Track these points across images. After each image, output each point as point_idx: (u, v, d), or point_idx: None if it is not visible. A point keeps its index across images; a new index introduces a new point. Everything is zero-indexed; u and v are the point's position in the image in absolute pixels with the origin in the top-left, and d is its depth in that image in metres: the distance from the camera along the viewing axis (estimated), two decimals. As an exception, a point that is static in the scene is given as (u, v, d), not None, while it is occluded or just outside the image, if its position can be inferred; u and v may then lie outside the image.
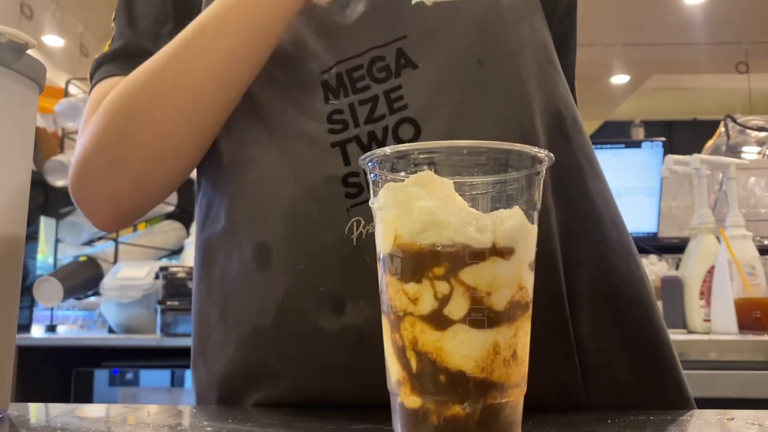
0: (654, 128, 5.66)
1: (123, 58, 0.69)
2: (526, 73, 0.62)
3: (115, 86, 0.62)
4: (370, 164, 0.41)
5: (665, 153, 2.04)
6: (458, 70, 0.60)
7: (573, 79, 0.74)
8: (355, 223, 0.57)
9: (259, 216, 0.61)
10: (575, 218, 0.62)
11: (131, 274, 1.94)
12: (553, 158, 0.40)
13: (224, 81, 0.59)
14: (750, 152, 2.23)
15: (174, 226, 2.38)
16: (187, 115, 0.59)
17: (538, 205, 0.40)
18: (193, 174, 0.72)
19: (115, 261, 2.11)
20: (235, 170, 0.63)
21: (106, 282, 1.93)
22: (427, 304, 0.37)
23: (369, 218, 0.57)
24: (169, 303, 1.83)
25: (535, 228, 0.39)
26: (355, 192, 0.58)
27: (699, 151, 2.07)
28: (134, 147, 0.60)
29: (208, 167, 0.67)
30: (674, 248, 2.03)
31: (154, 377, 1.90)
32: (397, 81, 0.59)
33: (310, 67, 0.61)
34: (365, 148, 0.58)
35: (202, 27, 0.58)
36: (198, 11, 0.63)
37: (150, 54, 0.61)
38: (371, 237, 0.57)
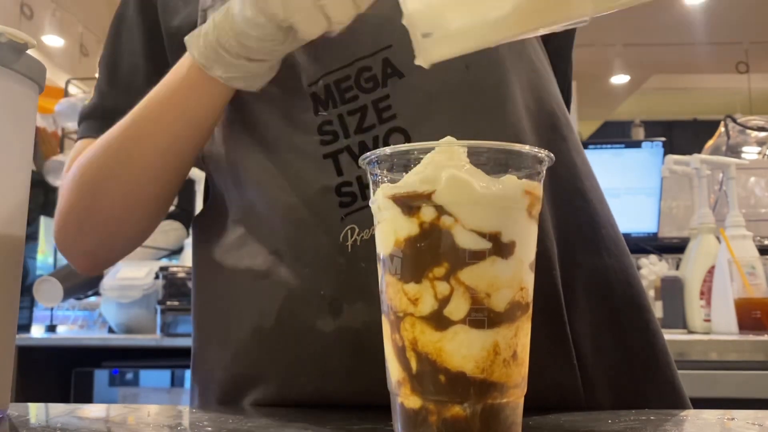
0: (654, 128, 5.65)
1: (100, 119, 0.71)
2: (515, 74, 0.62)
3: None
4: (369, 165, 0.41)
5: (665, 153, 2.04)
6: (446, 77, 0.60)
7: (569, 72, 0.75)
8: (349, 231, 0.58)
9: (264, 227, 0.62)
10: (569, 217, 0.62)
11: (131, 274, 1.94)
12: (554, 158, 0.40)
13: (168, 160, 0.64)
14: (750, 152, 2.23)
15: (174, 226, 2.38)
16: (137, 187, 0.65)
17: (539, 206, 0.40)
18: (193, 175, 0.73)
19: (115, 261, 2.11)
20: (243, 184, 0.64)
21: (106, 282, 1.93)
22: (427, 305, 0.37)
23: (363, 226, 0.58)
24: (169, 303, 1.83)
25: (535, 228, 0.40)
26: (349, 201, 0.59)
27: (699, 151, 2.07)
28: (96, 214, 0.66)
29: (221, 181, 0.68)
30: (674, 248, 2.02)
31: (154, 377, 1.90)
32: (384, 90, 0.60)
33: (299, 80, 0.62)
34: (357, 158, 0.58)
35: (146, 113, 0.62)
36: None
37: (125, 114, 0.64)
38: (366, 243, 0.57)
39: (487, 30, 0.41)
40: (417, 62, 0.43)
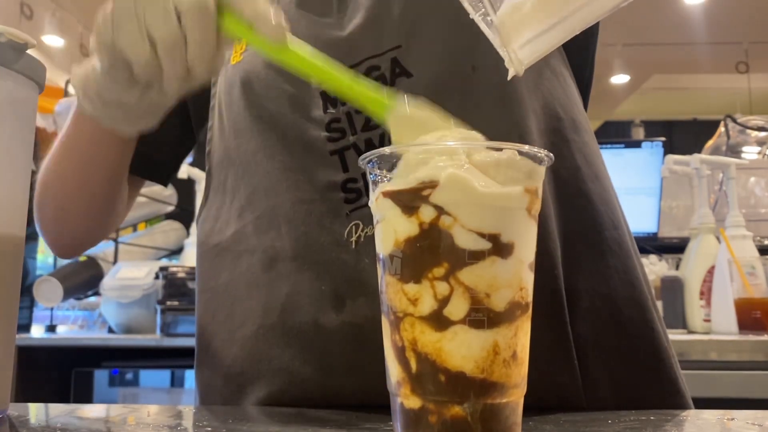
0: (654, 128, 5.65)
1: None
2: (521, 77, 0.62)
3: None
4: (370, 164, 0.41)
5: (665, 153, 2.04)
6: (452, 78, 0.61)
7: (588, 77, 0.75)
8: (353, 227, 0.59)
9: (266, 221, 0.63)
10: (573, 219, 0.62)
11: (131, 274, 1.93)
12: (553, 158, 0.40)
13: (79, 185, 0.71)
14: (750, 152, 2.23)
15: (174, 226, 2.38)
16: (65, 199, 0.73)
17: (538, 206, 0.40)
18: (194, 174, 0.74)
19: (115, 261, 2.11)
20: (244, 178, 0.65)
21: (106, 282, 1.93)
22: (426, 305, 0.37)
23: (367, 222, 0.58)
24: (169, 303, 1.83)
25: (534, 228, 0.40)
26: (354, 197, 0.59)
27: (699, 151, 2.07)
28: (42, 211, 0.74)
29: (218, 177, 0.68)
30: (674, 248, 2.02)
31: (154, 377, 1.89)
32: (392, 90, 0.60)
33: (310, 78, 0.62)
34: None
35: (58, 143, 0.71)
36: None
37: None
38: (369, 239, 0.58)
39: (573, 20, 0.41)
40: (510, 74, 0.43)
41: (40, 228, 0.77)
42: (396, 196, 0.38)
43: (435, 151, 0.38)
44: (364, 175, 0.59)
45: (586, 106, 0.73)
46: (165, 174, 0.82)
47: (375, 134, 0.60)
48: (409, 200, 0.38)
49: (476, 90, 0.61)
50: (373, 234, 0.58)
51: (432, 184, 0.37)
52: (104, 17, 0.51)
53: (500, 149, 0.38)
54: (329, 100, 0.62)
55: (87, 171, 0.70)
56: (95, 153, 0.68)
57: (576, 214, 0.63)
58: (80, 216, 0.75)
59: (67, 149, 0.70)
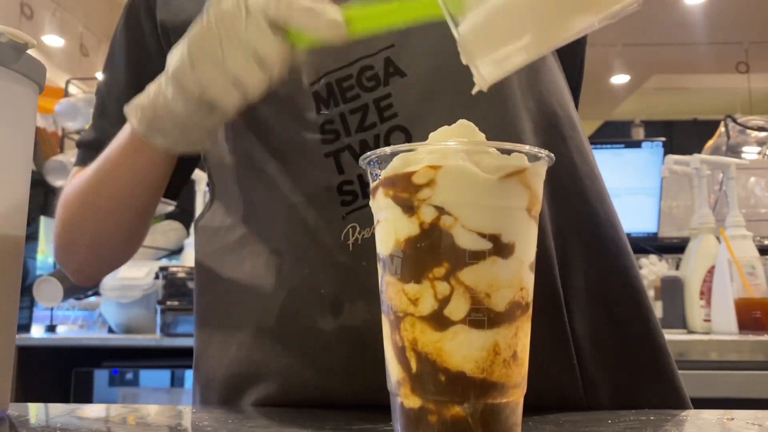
0: (654, 128, 5.65)
1: (89, 149, 0.74)
2: (515, 74, 0.62)
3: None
4: (370, 165, 0.41)
5: (665, 153, 2.04)
6: (446, 77, 0.60)
7: (579, 74, 0.75)
8: (350, 230, 0.59)
9: (266, 226, 0.63)
10: (569, 217, 0.62)
11: (131, 274, 1.93)
12: (554, 158, 0.40)
13: (125, 212, 0.70)
14: (750, 152, 2.23)
15: (174, 226, 2.38)
16: (103, 232, 0.72)
17: (538, 206, 0.40)
18: (194, 175, 0.74)
19: (115, 261, 2.11)
20: (245, 184, 0.65)
21: (106, 282, 1.93)
22: (427, 305, 0.37)
23: (364, 224, 0.58)
24: (168, 303, 1.83)
25: (535, 228, 0.40)
26: (350, 199, 0.59)
27: (699, 151, 2.07)
28: (75, 243, 0.73)
29: (222, 182, 0.69)
30: (674, 248, 2.02)
31: (154, 377, 1.90)
32: (386, 89, 0.60)
33: (301, 79, 0.62)
34: (358, 157, 0.59)
35: (102, 172, 0.67)
36: None
37: None
38: (367, 242, 0.58)
39: (540, 40, 0.41)
40: (476, 89, 0.44)
41: (65, 260, 0.76)
42: (395, 186, 0.38)
43: (432, 150, 0.38)
44: (360, 176, 0.59)
45: (576, 109, 0.73)
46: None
47: (369, 135, 0.60)
48: (408, 192, 0.38)
49: (470, 89, 0.61)
50: (371, 236, 0.58)
51: (434, 167, 0.37)
52: (190, 63, 0.51)
53: (500, 150, 0.38)
54: (322, 100, 0.61)
55: (132, 196, 0.69)
56: (143, 176, 0.66)
57: (574, 212, 0.62)
58: (117, 243, 0.74)
59: (109, 179, 0.68)
